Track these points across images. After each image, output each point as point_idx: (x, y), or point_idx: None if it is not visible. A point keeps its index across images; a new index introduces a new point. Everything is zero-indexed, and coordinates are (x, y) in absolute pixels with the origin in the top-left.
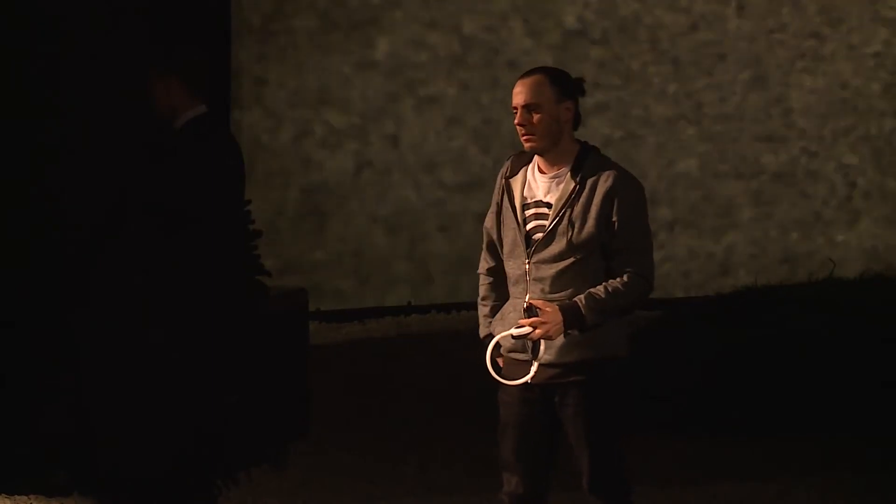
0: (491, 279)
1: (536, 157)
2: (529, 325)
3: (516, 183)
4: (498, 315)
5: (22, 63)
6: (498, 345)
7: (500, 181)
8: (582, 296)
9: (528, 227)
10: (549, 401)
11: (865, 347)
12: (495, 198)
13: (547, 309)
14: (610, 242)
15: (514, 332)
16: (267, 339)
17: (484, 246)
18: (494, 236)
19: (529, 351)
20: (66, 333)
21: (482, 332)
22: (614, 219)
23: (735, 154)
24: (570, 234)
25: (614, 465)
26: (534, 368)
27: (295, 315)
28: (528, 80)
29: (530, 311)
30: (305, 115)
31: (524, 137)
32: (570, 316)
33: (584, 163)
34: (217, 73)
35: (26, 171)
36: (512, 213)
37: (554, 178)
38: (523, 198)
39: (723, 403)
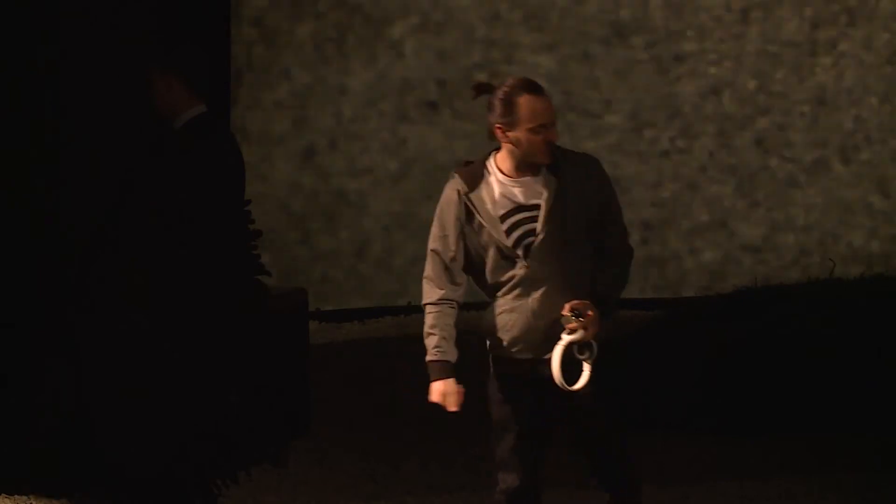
0: (440, 309)
1: (496, 164)
2: (580, 327)
3: (481, 197)
4: (499, 325)
5: (23, 62)
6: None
7: (454, 199)
8: (601, 285)
9: (516, 234)
10: (548, 397)
11: (865, 347)
12: (449, 218)
13: (589, 309)
14: (600, 222)
15: (571, 337)
16: (267, 339)
17: (431, 273)
18: (452, 257)
19: (578, 353)
20: (66, 333)
21: (435, 357)
22: (603, 200)
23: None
24: (565, 228)
25: (627, 451)
26: (587, 369)
27: (295, 315)
28: (547, 99)
29: (576, 313)
30: (306, 115)
31: (544, 154)
32: (604, 307)
33: (557, 159)
34: (217, 73)
35: (26, 171)
36: (489, 228)
37: (527, 180)
38: (498, 209)
39: (723, 403)
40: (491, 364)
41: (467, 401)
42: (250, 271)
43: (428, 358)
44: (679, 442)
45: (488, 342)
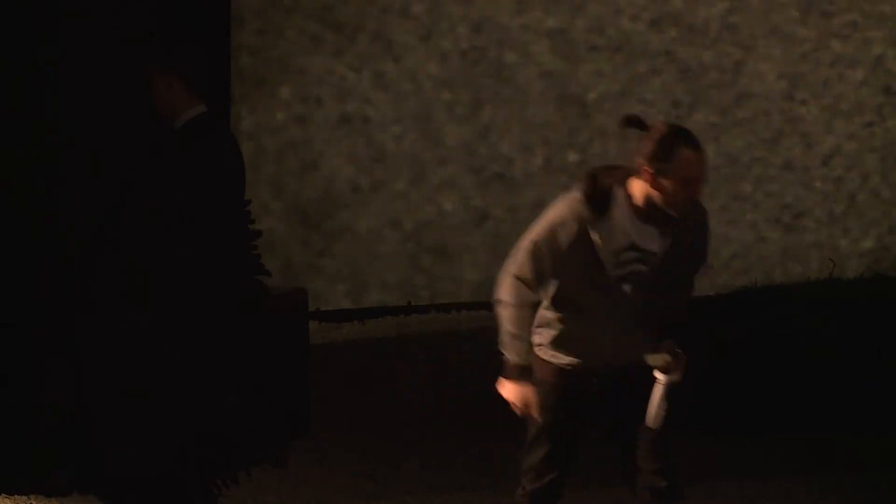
0: (523, 312)
1: (627, 200)
2: (675, 369)
3: (605, 228)
4: (567, 341)
5: (23, 62)
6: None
7: (574, 225)
8: (679, 322)
9: (621, 272)
10: (591, 407)
11: (865, 347)
12: (562, 238)
13: (679, 351)
14: (691, 268)
15: (672, 380)
16: (267, 339)
17: (520, 273)
18: (548, 269)
19: (664, 392)
20: (66, 333)
21: (520, 362)
22: (702, 251)
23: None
24: (669, 275)
25: (673, 464)
26: (664, 411)
27: (295, 315)
28: (702, 152)
29: (670, 353)
30: (306, 115)
31: (683, 209)
32: (685, 346)
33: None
34: (217, 73)
35: (26, 171)
36: (601, 259)
37: (654, 225)
38: (617, 241)
39: (723, 403)
40: (540, 370)
41: (467, 402)
42: (250, 271)
43: (514, 361)
44: (679, 442)
45: (542, 349)
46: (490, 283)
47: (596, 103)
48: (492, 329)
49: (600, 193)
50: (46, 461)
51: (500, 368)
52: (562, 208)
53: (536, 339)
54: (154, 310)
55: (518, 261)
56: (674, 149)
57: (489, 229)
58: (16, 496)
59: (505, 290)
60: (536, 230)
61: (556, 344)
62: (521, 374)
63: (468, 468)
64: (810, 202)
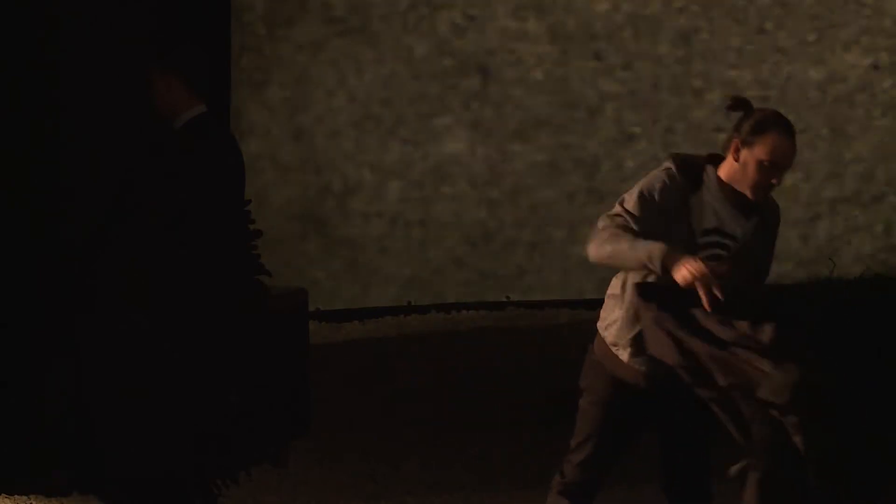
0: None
1: (718, 183)
2: None
3: (700, 203)
4: (619, 328)
5: (23, 62)
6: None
7: (674, 191)
8: None
9: (703, 254)
10: (646, 408)
11: (865, 347)
12: (657, 201)
13: None
14: (760, 267)
15: None
16: (267, 339)
17: (605, 227)
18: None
19: None
20: (66, 333)
21: (659, 245)
22: (770, 250)
23: None
24: (746, 266)
25: (708, 470)
26: None
27: (295, 315)
28: (793, 143)
29: None
30: (306, 115)
31: (763, 192)
32: None
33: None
34: (217, 73)
35: (27, 171)
36: (687, 234)
37: (740, 210)
38: (704, 222)
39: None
40: (599, 363)
41: (467, 402)
42: (250, 271)
43: (657, 248)
44: None
45: (607, 341)
46: (490, 283)
47: None
48: (492, 329)
49: (692, 167)
50: (46, 461)
51: (499, 368)
52: (662, 178)
53: (605, 334)
54: (154, 310)
55: (602, 226)
56: (767, 128)
57: (489, 233)
58: (16, 496)
59: (597, 236)
60: (638, 187)
61: (620, 335)
62: (672, 251)
63: (468, 468)
64: None
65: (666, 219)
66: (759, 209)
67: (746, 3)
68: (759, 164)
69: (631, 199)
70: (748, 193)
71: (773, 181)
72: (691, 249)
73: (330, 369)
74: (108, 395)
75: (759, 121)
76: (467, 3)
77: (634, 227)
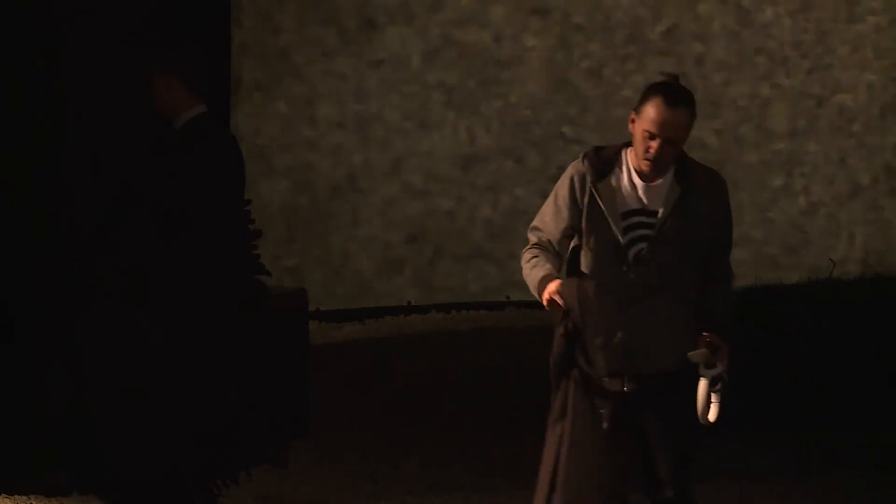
0: (541, 252)
1: (631, 162)
2: (716, 362)
3: (608, 189)
4: (576, 292)
5: (23, 62)
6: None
7: (578, 183)
8: (723, 315)
9: (631, 235)
10: (622, 408)
11: (865, 347)
12: (566, 201)
13: (721, 341)
14: (713, 242)
15: (713, 374)
16: (267, 339)
17: (543, 224)
18: (559, 239)
19: (711, 385)
20: (66, 333)
21: (542, 273)
22: (717, 220)
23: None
24: (675, 241)
25: (689, 478)
26: (716, 402)
27: (295, 315)
28: (676, 113)
29: (710, 348)
30: (306, 116)
31: (649, 165)
32: (728, 338)
33: (685, 170)
34: (217, 73)
35: (27, 171)
36: (607, 223)
37: (657, 185)
38: (622, 205)
39: (723, 403)
40: (576, 369)
41: (467, 402)
42: (250, 271)
43: (539, 275)
44: None
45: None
46: (490, 283)
47: None
48: (492, 329)
49: (602, 157)
50: (46, 461)
51: (499, 368)
52: (568, 172)
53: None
54: (154, 310)
55: (539, 214)
56: (649, 97)
57: (488, 230)
58: (16, 496)
59: (525, 250)
60: (543, 209)
61: (586, 347)
62: (545, 279)
63: (468, 468)
64: None
65: (580, 212)
66: (681, 181)
67: None
68: (644, 134)
69: (544, 207)
70: (641, 166)
71: (664, 153)
72: (613, 235)
73: (330, 369)
74: (108, 395)
75: (645, 91)
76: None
77: (546, 238)
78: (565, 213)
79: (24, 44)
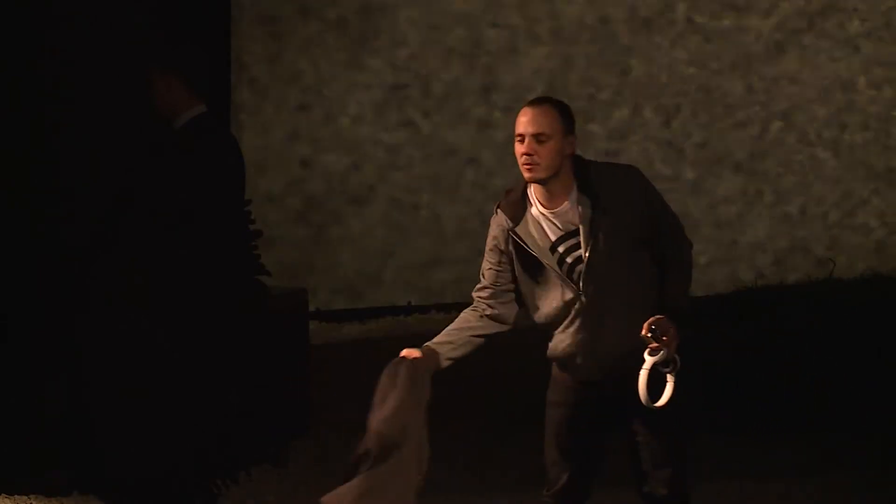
0: (459, 323)
1: (533, 195)
2: (662, 346)
3: (526, 231)
4: (563, 356)
5: (23, 62)
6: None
7: (500, 234)
8: (669, 297)
9: (567, 261)
10: (606, 399)
11: (865, 347)
12: (494, 251)
13: (667, 326)
14: (651, 231)
15: (655, 359)
16: (267, 339)
17: (481, 291)
18: (503, 290)
19: (660, 368)
20: (66, 333)
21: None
22: (646, 210)
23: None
24: (610, 247)
25: (681, 473)
26: (671, 383)
27: (295, 315)
28: (537, 110)
29: (655, 332)
30: (306, 115)
31: (528, 166)
32: (679, 319)
33: (587, 178)
34: (217, 73)
35: (26, 171)
36: (538, 260)
37: (563, 209)
38: (545, 240)
39: (723, 403)
40: (553, 380)
41: (467, 401)
42: (250, 271)
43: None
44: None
45: (553, 361)
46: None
47: None
48: None
49: (510, 201)
50: (46, 461)
51: (499, 368)
52: (491, 226)
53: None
54: (154, 310)
55: (480, 273)
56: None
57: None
58: (16, 496)
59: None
60: (483, 262)
61: (557, 359)
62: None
63: (468, 468)
64: None
65: (511, 262)
66: (588, 190)
67: None
68: (517, 141)
69: (482, 266)
70: (524, 175)
71: (533, 150)
72: (548, 270)
73: (330, 369)
74: (108, 395)
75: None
76: None
77: (484, 297)
78: (497, 269)
79: (24, 44)
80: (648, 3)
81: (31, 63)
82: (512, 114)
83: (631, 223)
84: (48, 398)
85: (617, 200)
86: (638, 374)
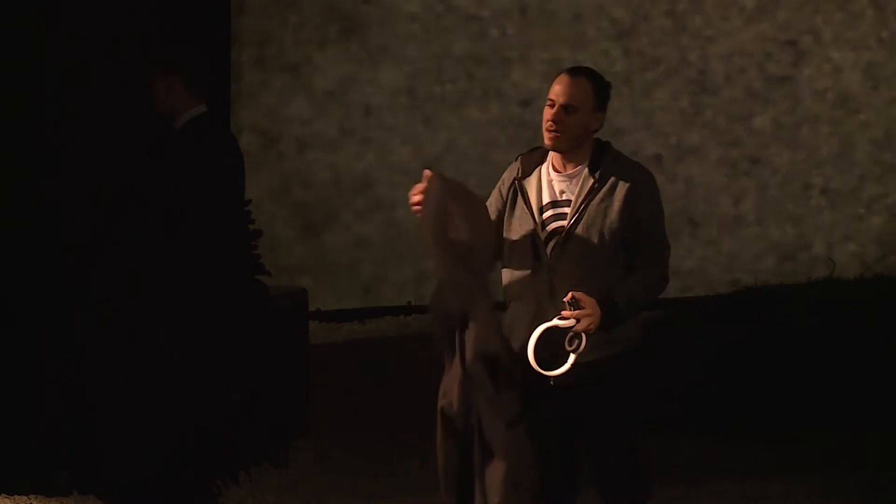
0: None
1: (552, 156)
2: (573, 318)
3: (530, 184)
4: (507, 317)
5: (23, 62)
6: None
7: (508, 181)
8: (616, 291)
9: (549, 227)
10: (562, 405)
11: (865, 347)
12: (497, 197)
13: (589, 302)
14: (633, 238)
15: (560, 322)
16: (267, 338)
17: None
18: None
19: (567, 343)
20: (66, 333)
21: None
22: (638, 215)
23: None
24: (590, 231)
25: (640, 462)
26: (571, 360)
27: (295, 315)
28: (572, 80)
29: (574, 303)
30: (306, 115)
31: (550, 133)
32: (608, 311)
33: (601, 159)
34: (217, 73)
35: (27, 171)
36: (529, 216)
37: (571, 175)
38: (540, 199)
39: (723, 403)
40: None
41: None
42: (250, 271)
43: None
44: (679, 442)
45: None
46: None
47: None
48: None
49: (532, 157)
50: (46, 461)
51: None
52: (505, 173)
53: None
54: (154, 310)
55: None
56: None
57: None
58: (16, 496)
59: None
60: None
61: (506, 325)
62: None
63: None
64: None
65: (508, 206)
66: (599, 171)
67: None
68: (547, 106)
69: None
70: (545, 140)
71: (560, 119)
72: (532, 226)
73: (330, 369)
74: (109, 395)
75: None
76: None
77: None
78: (494, 207)
79: (24, 44)
80: None
81: (32, 63)
82: (512, 114)
83: (619, 218)
84: (48, 398)
85: (618, 192)
86: (587, 371)
